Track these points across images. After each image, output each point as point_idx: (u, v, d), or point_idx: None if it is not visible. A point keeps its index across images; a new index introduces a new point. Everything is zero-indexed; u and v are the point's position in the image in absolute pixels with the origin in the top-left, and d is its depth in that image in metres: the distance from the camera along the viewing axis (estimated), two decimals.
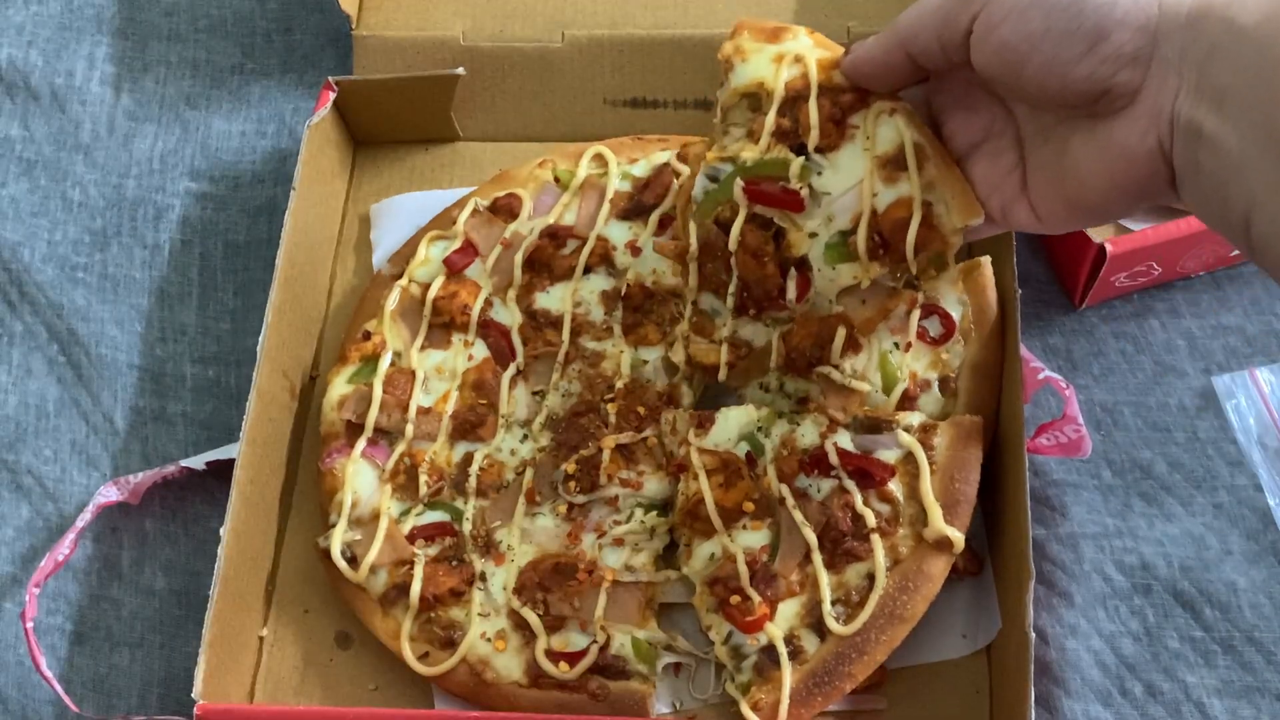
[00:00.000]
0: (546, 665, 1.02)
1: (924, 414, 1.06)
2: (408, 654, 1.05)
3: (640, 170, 1.21)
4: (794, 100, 0.94)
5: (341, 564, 1.08)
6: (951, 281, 1.07)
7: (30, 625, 1.07)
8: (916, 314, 1.06)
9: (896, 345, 1.06)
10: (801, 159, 0.93)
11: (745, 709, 1.00)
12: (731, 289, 1.02)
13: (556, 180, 1.23)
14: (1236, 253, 1.17)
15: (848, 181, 0.93)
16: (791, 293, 0.99)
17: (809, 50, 0.95)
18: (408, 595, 1.06)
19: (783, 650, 1.00)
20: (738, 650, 1.02)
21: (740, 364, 1.09)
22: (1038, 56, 0.79)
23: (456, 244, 1.20)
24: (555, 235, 1.18)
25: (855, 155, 0.93)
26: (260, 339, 1.12)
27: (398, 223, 1.28)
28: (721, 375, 1.09)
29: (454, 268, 1.18)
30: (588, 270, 1.17)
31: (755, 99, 0.97)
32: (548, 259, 1.17)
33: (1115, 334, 1.19)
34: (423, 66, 1.30)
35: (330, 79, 1.25)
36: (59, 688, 1.07)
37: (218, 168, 1.37)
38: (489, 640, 1.04)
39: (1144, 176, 0.79)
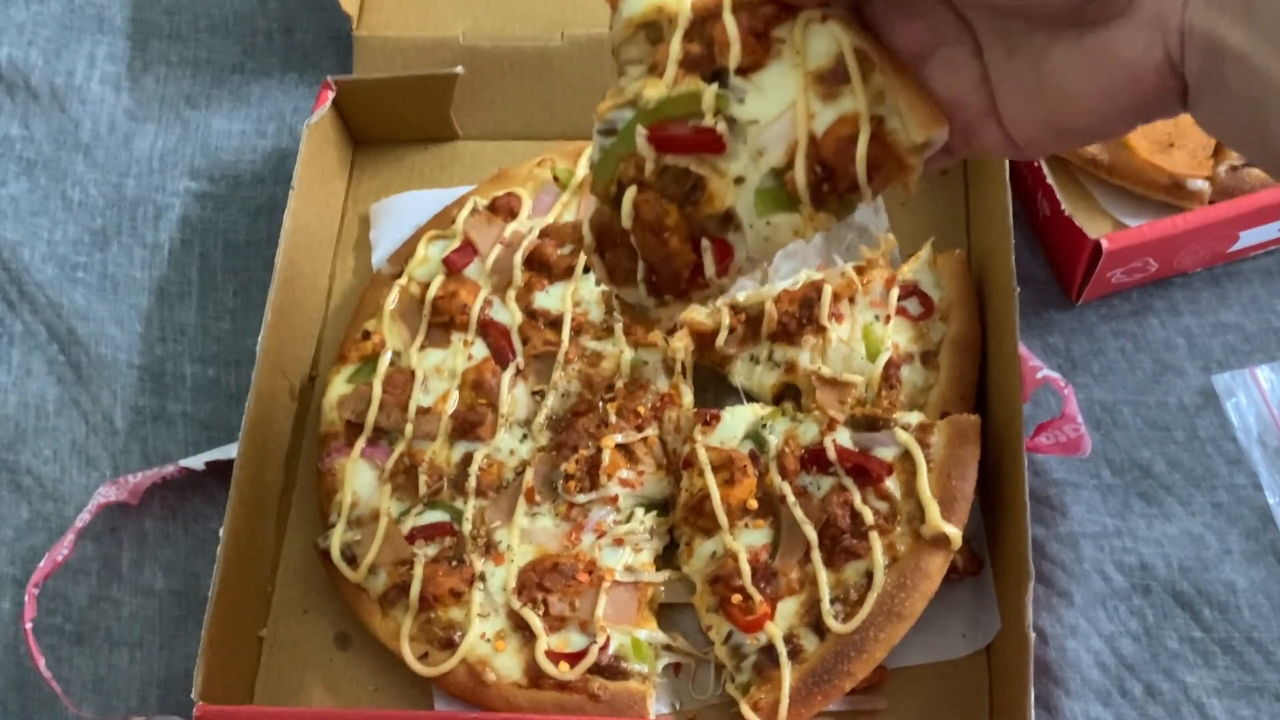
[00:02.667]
0: (546, 665, 1.02)
1: (910, 384, 1.09)
2: (407, 654, 1.05)
3: None
4: (703, 21, 0.75)
5: (341, 564, 1.08)
6: (929, 262, 1.12)
7: (29, 626, 1.08)
8: (895, 291, 1.12)
9: (877, 318, 1.11)
10: (715, 86, 0.73)
11: (745, 709, 1.00)
12: (639, 275, 0.78)
13: (556, 179, 1.23)
14: (1234, 249, 1.17)
15: (777, 105, 0.73)
16: (710, 267, 0.76)
17: None
18: (407, 595, 1.06)
19: (782, 650, 1.00)
20: (737, 650, 1.02)
21: (738, 330, 1.12)
22: None
23: (456, 243, 1.20)
24: (554, 235, 1.19)
25: (784, 74, 0.73)
26: (260, 339, 1.12)
27: (397, 222, 1.28)
28: (721, 340, 1.12)
29: (453, 267, 1.18)
30: (587, 270, 1.16)
31: (655, 29, 0.76)
32: (547, 258, 1.17)
33: (1114, 332, 1.19)
34: (423, 66, 1.30)
35: (329, 79, 1.25)
36: (58, 688, 1.07)
37: (218, 167, 1.37)
38: (489, 640, 1.04)
39: (1149, 92, 0.68)
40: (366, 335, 1.18)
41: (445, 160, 1.34)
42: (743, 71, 0.74)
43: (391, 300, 1.18)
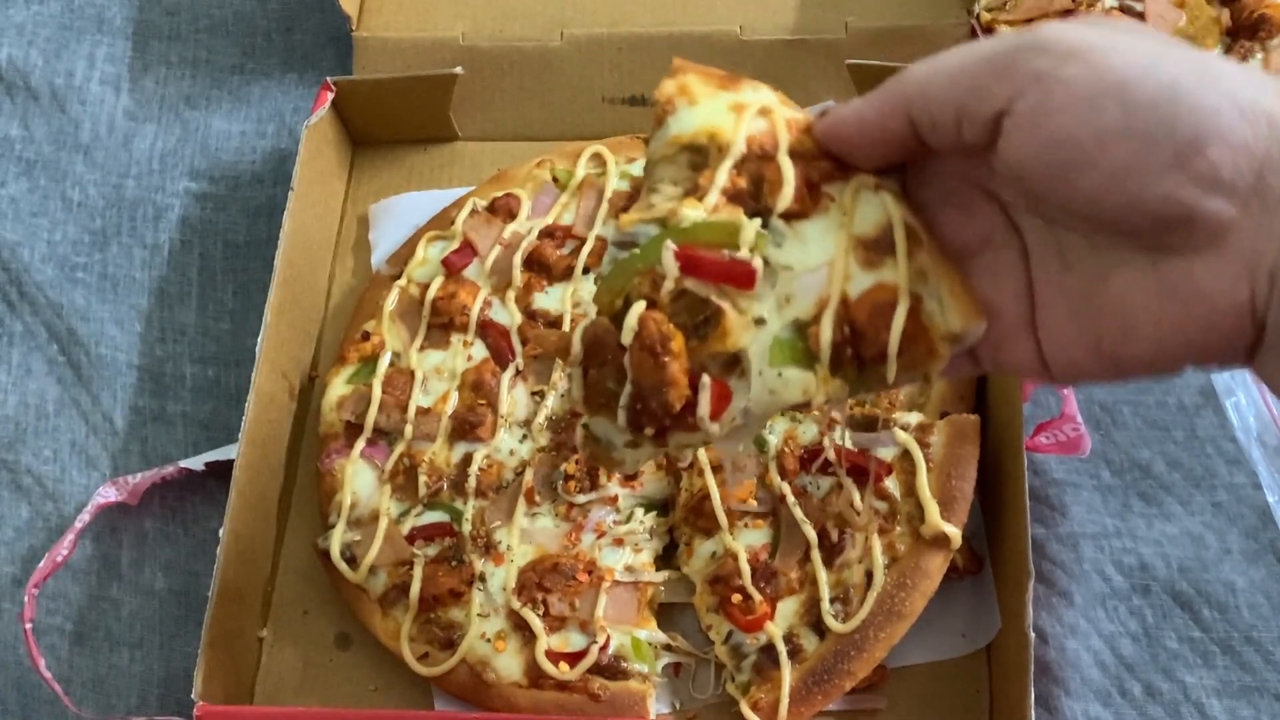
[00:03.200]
0: (546, 665, 1.02)
1: (906, 393, 1.07)
2: (407, 654, 1.05)
3: (639, 169, 1.20)
4: (755, 159, 0.70)
5: (341, 565, 1.08)
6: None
7: (29, 626, 1.08)
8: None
9: None
10: (757, 223, 0.68)
11: (745, 709, 1.00)
12: (623, 401, 0.69)
13: (555, 180, 1.23)
14: None
15: (816, 258, 0.68)
16: (705, 406, 0.67)
17: (775, 104, 0.72)
18: (407, 596, 1.06)
19: (782, 649, 1.00)
20: (737, 650, 1.02)
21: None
22: (1105, 162, 0.58)
23: (455, 244, 1.20)
24: (554, 235, 1.19)
25: (828, 229, 0.69)
26: (259, 339, 1.12)
27: (396, 223, 1.28)
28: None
29: (453, 268, 1.18)
30: (586, 270, 1.16)
31: (700, 155, 0.71)
32: (546, 259, 1.17)
33: None
34: (423, 67, 1.30)
35: (328, 79, 1.25)
36: (58, 688, 1.07)
37: (217, 168, 1.37)
38: (489, 641, 1.04)
39: (1222, 334, 0.60)
40: (366, 336, 1.18)
41: (444, 161, 1.33)
42: (786, 217, 0.69)
43: (391, 301, 1.18)
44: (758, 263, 0.67)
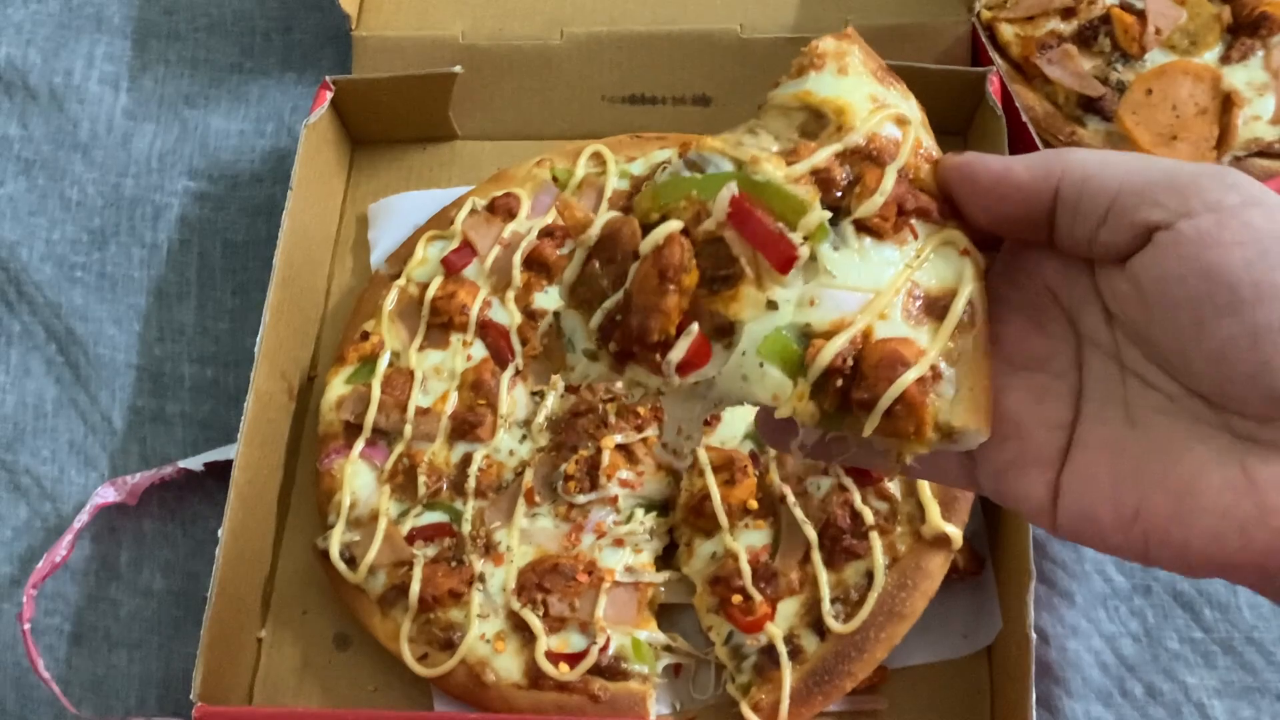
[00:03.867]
0: (546, 666, 1.02)
1: None
2: (407, 655, 1.05)
3: (639, 169, 1.20)
4: (866, 158, 0.66)
5: (340, 565, 1.08)
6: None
7: (28, 627, 1.07)
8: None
9: None
10: (826, 215, 0.63)
11: (745, 709, 1.00)
12: (607, 303, 0.65)
13: (555, 179, 1.23)
14: None
15: (864, 281, 0.64)
16: (679, 351, 0.63)
17: (916, 121, 0.68)
18: (407, 596, 1.06)
19: (782, 650, 1.00)
20: (738, 650, 1.02)
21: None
22: (1251, 315, 0.53)
23: (454, 244, 1.20)
24: (553, 235, 1.18)
25: (891, 261, 0.64)
26: (258, 339, 1.12)
27: (395, 222, 1.27)
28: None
29: (452, 268, 1.18)
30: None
31: (816, 123, 0.68)
32: (546, 259, 1.17)
33: None
34: (422, 66, 1.30)
35: (327, 78, 1.25)
36: (57, 689, 1.07)
37: (216, 167, 1.37)
38: (488, 641, 1.04)
39: None
40: (365, 336, 1.18)
41: (444, 160, 1.33)
42: (860, 227, 0.65)
43: (390, 301, 1.18)
44: (804, 252, 0.63)
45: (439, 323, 1.16)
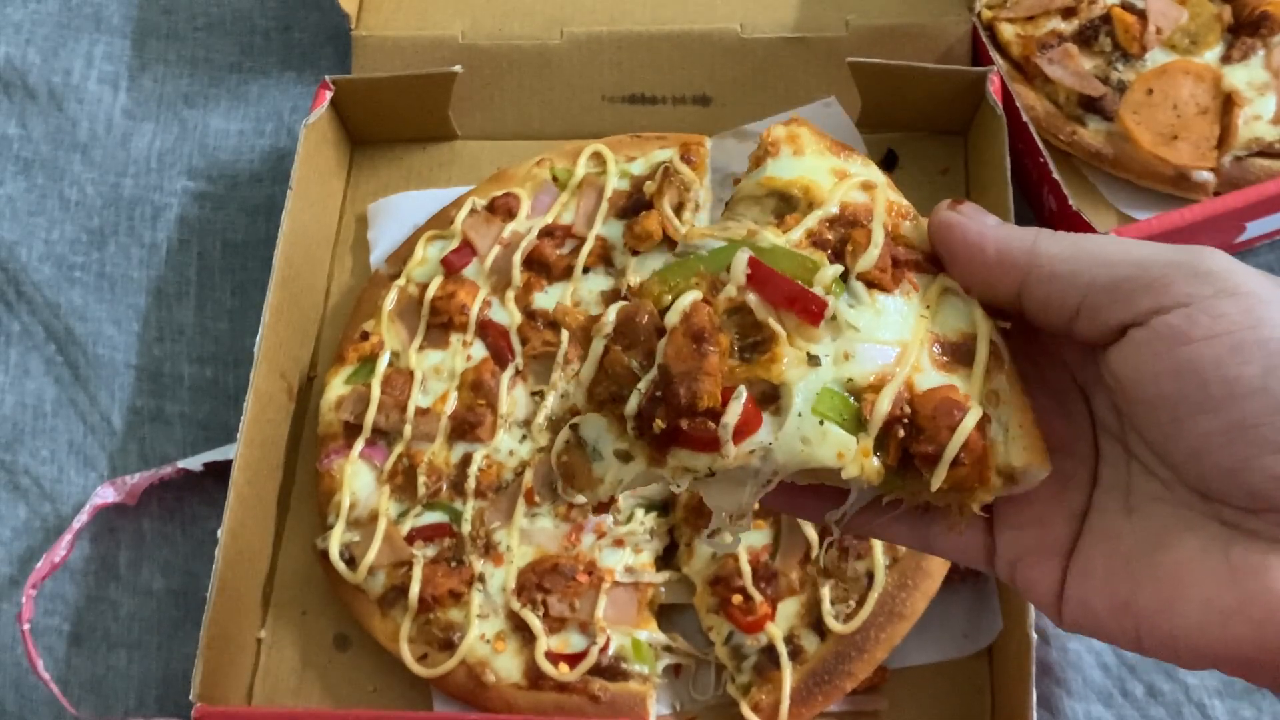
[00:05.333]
0: (546, 667, 1.02)
1: None
2: (406, 655, 1.05)
3: (639, 168, 1.20)
4: (847, 223, 0.65)
5: (340, 565, 1.08)
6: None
7: (27, 627, 1.07)
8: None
9: None
10: (838, 269, 0.62)
11: (746, 710, 1.00)
12: (641, 385, 0.61)
13: (554, 179, 1.23)
14: (1240, 240, 1.17)
15: (888, 333, 0.62)
16: (732, 415, 0.59)
17: (881, 184, 0.67)
18: (406, 596, 1.05)
19: (783, 650, 1.00)
20: (738, 651, 1.02)
21: None
22: (1226, 414, 0.53)
23: (454, 244, 1.19)
24: (553, 234, 1.18)
25: (907, 313, 0.63)
26: (258, 339, 1.11)
27: (395, 222, 1.27)
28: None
29: (452, 268, 1.18)
30: (586, 270, 1.16)
31: (787, 204, 0.67)
32: (546, 259, 1.17)
33: None
34: (422, 65, 1.29)
35: (327, 78, 1.25)
36: (56, 689, 1.07)
37: (215, 167, 1.37)
38: (488, 642, 1.04)
39: (1277, 644, 0.52)
40: (365, 336, 1.18)
41: (444, 160, 1.33)
42: (866, 283, 0.63)
43: (390, 301, 1.18)
44: (831, 301, 0.61)
45: (439, 323, 1.16)
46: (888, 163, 1.25)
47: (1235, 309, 0.53)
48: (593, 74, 1.30)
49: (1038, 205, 1.21)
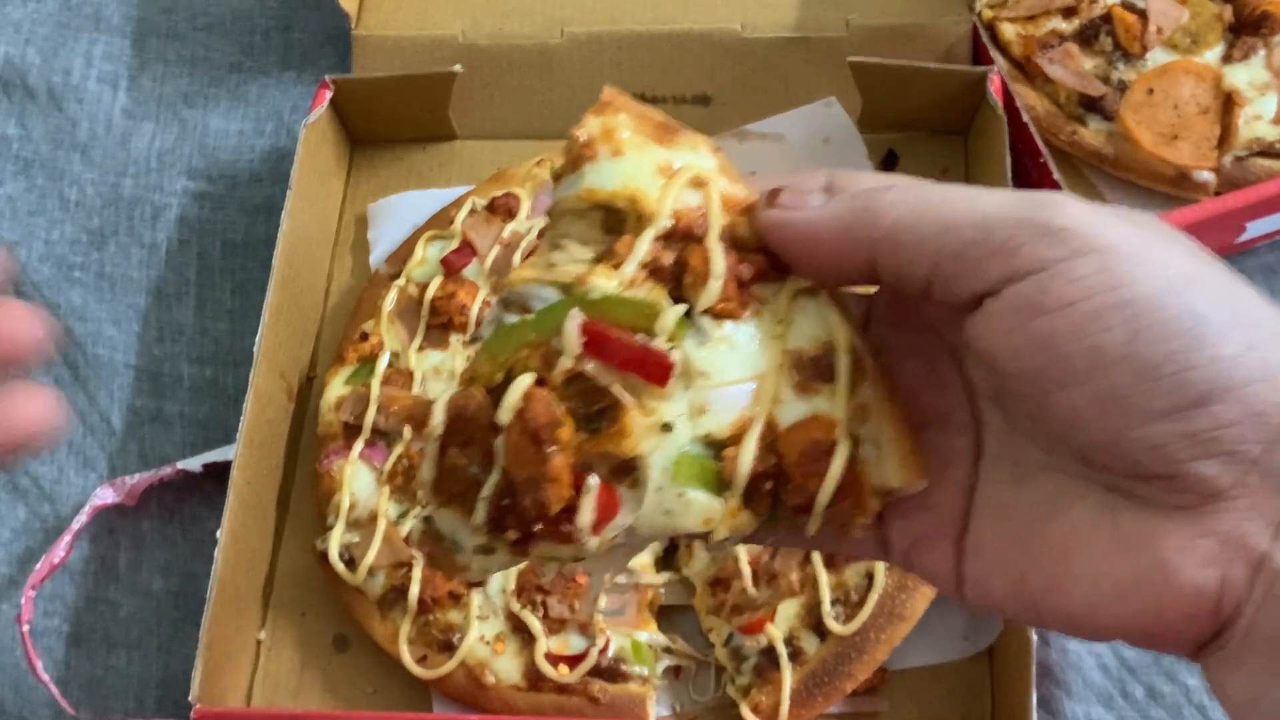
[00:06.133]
0: (546, 668, 1.02)
1: None
2: (406, 657, 1.05)
3: None
4: (683, 237, 0.57)
5: (339, 566, 1.08)
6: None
7: (26, 628, 1.07)
8: None
9: None
10: (681, 309, 0.56)
11: (745, 711, 1.00)
12: (485, 491, 0.55)
13: (555, 179, 1.22)
14: (1241, 240, 1.17)
15: (742, 370, 0.57)
16: (587, 514, 0.54)
17: (713, 174, 0.59)
18: (406, 598, 1.05)
19: (783, 651, 0.99)
20: (738, 652, 1.02)
21: None
22: (1092, 386, 0.48)
23: (454, 244, 1.19)
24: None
25: (759, 338, 0.57)
26: (257, 339, 1.11)
27: (395, 222, 1.27)
28: None
29: (452, 268, 1.18)
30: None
31: (614, 218, 0.59)
32: None
33: None
34: (422, 65, 1.29)
35: (326, 78, 1.25)
36: (55, 690, 1.07)
37: (215, 167, 1.37)
38: (487, 643, 1.04)
39: (1171, 619, 0.49)
40: (364, 336, 1.17)
41: (444, 160, 1.33)
42: (713, 313, 0.57)
43: (390, 301, 1.18)
44: (676, 356, 0.55)
45: (439, 323, 1.16)
46: (888, 163, 1.25)
47: (1091, 269, 0.48)
48: (593, 74, 1.30)
49: None
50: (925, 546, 0.57)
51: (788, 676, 0.99)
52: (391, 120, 1.30)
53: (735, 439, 0.55)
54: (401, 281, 1.19)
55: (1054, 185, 1.13)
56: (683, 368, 0.55)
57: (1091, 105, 1.21)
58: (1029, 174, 1.19)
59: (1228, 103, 1.18)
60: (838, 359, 0.57)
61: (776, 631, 1.00)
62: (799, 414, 0.56)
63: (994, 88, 1.16)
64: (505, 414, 0.54)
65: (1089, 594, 0.51)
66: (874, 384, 0.56)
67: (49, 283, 1.31)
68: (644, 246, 0.57)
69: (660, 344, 0.55)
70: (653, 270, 0.57)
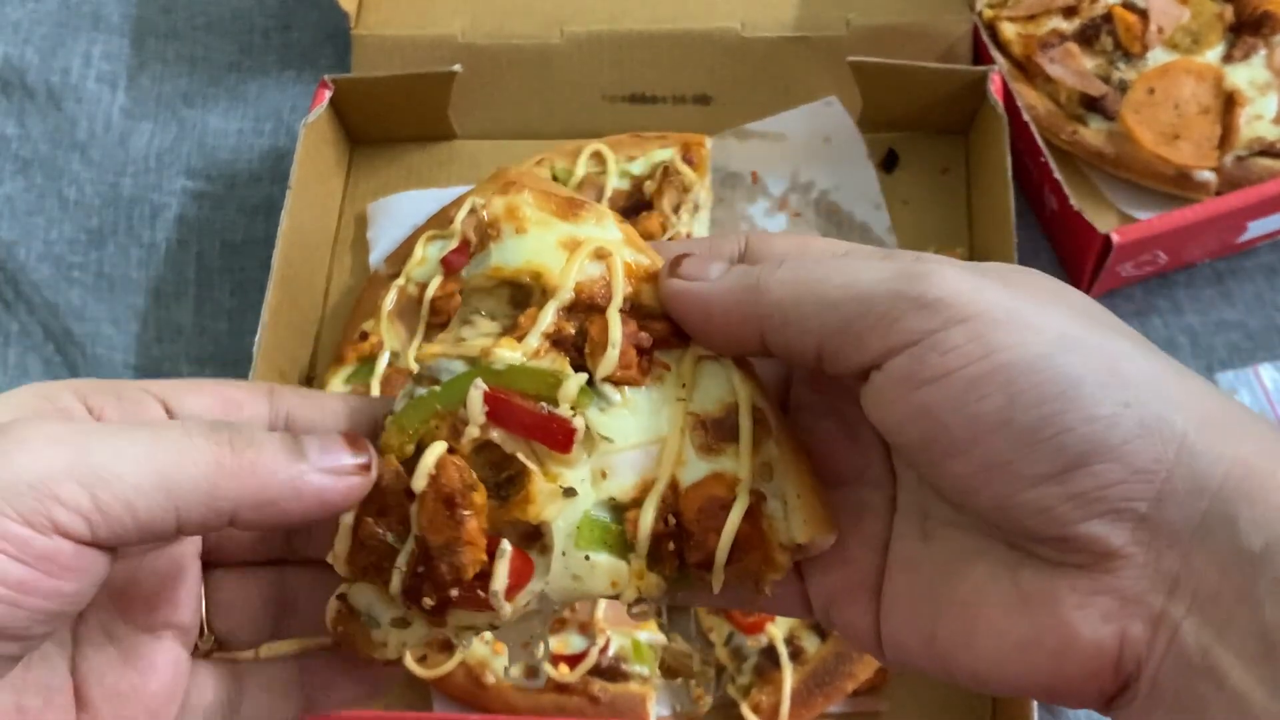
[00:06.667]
0: (546, 668, 1.02)
1: None
2: (406, 656, 1.04)
3: (639, 168, 1.20)
4: (585, 308, 0.60)
5: (339, 565, 1.07)
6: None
7: None
8: None
9: None
10: (581, 378, 0.58)
11: (746, 711, 1.00)
12: (400, 560, 0.57)
13: (555, 179, 1.22)
14: (1242, 239, 1.17)
15: (644, 433, 0.59)
16: (501, 579, 0.56)
17: (617, 246, 0.61)
18: None
19: (783, 651, 0.99)
20: (738, 652, 1.02)
21: None
22: (976, 453, 0.50)
23: (454, 243, 1.19)
24: None
25: (662, 402, 0.59)
26: (256, 339, 1.11)
27: (394, 222, 1.27)
28: None
29: (452, 267, 1.18)
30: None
31: (522, 293, 0.61)
32: None
33: None
34: (422, 64, 1.29)
35: (326, 77, 1.25)
36: None
37: (214, 166, 1.37)
38: (488, 643, 1.04)
39: (1075, 675, 0.50)
40: (364, 336, 1.17)
41: (443, 159, 1.33)
42: (613, 382, 0.59)
43: (389, 300, 1.18)
44: (579, 423, 0.57)
45: (438, 322, 1.16)
46: (888, 163, 1.25)
47: (964, 338, 0.49)
48: (593, 73, 1.30)
49: (1038, 205, 1.21)
50: (844, 601, 0.58)
51: (788, 676, 0.99)
52: (391, 120, 1.30)
53: (638, 501, 0.57)
54: (401, 281, 1.19)
55: (1055, 185, 1.13)
56: (585, 434, 0.57)
57: (1092, 105, 1.21)
58: (1030, 173, 1.19)
59: (1229, 102, 1.18)
60: (740, 418, 0.58)
61: (777, 631, 1.00)
62: (701, 473, 0.58)
63: (994, 87, 1.16)
64: (420, 480, 0.56)
65: (993, 651, 0.51)
66: (780, 442, 0.58)
67: (48, 283, 1.31)
68: (547, 318, 0.59)
69: (564, 411, 0.57)
70: (556, 341, 0.59)
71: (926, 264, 0.52)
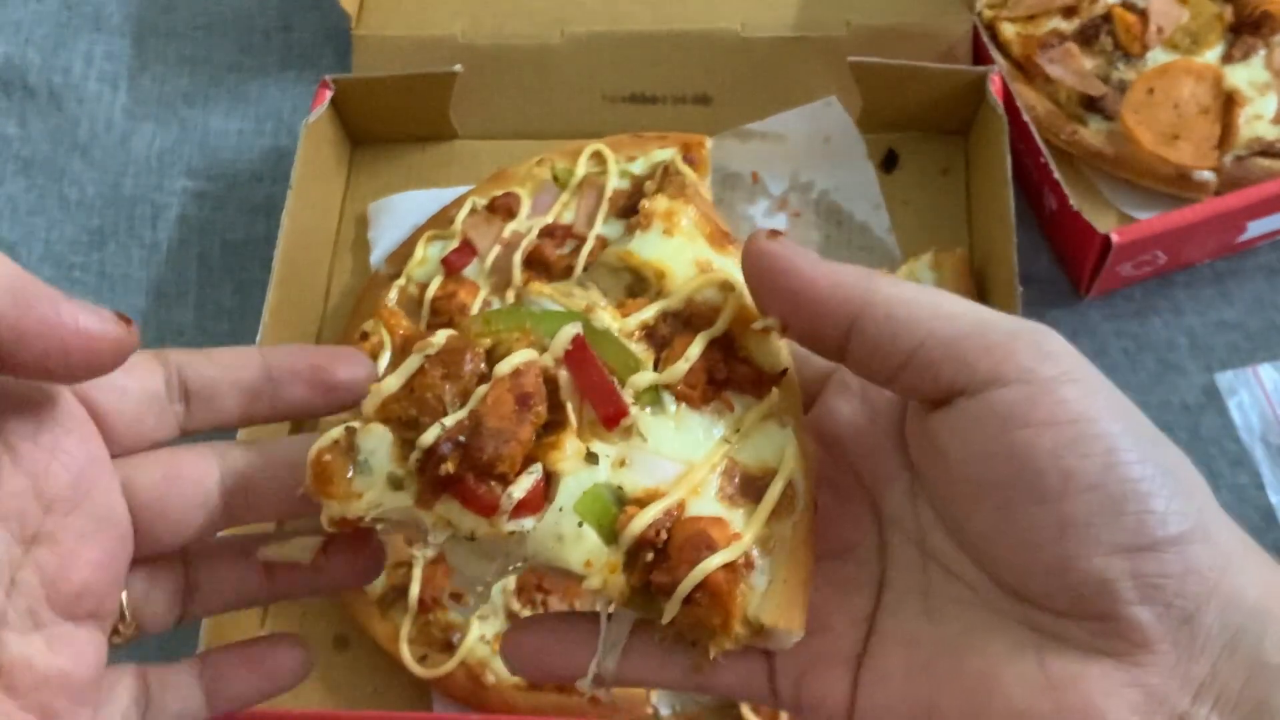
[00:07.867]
0: None
1: None
2: (406, 656, 1.04)
3: (639, 168, 1.20)
4: (685, 322, 0.62)
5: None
6: (929, 263, 1.12)
7: None
8: None
9: None
10: (654, 377, 0.60)
11: (746, 711, 1.00)
12: (449, 420, 0.58)
13: (555, 179, 1.22)
14: (1241, 239, 1.17)
15: (678, 450, 0.60)
16: (521, 489, 0.57)
17: (741, 286, 0.62)
18: (406, 597, 1.05)
19: None
20: None
21: None
22: (1058, 507, 0.50)
23: (454, 243, 1.19)
24: (554, 234, 1.18)
25: (709, 435, 0.61)
26: (257, 339, 1.11)
27: (395, 222, 1.27)
28: None
29: (452, 267, 1.18)
30: (586, 269, 1.16)
31: (640, 285, 0.65)
32: (546, 258, 1.16)
33: (1116, 332, 1.18)
34: (422, 65, 1.29)
35: (327, 77, 1.25)
36: None
37: (215, 166, 1.37)
38: (488, 643, 1.04)
39: None
40: (365, 336, 1.17)
41: (444, 159, 1.33)
42: (675, 394, 0.61)
43: (390, 300, 1.18)
44: (635, 411, 0.59)
45: (439, 323, 1.16)
46: (888, 163, 1.25)
47: (1079, 395, 0.51)
48: (593, 73, 1.30)
49: (1038, 205, 1.21)
50: (819, 670, 0.58)
51: None
52: (391, 120, 1.30)
53: (642, 503, 0.58)
54: (402, 281, 1.19)
55: (1055, 185, 1.13)
56: (631, 424, 0.59)
57: (1092, 105, 1.21)
58: (1029, 173, 1.19)
59: (1228, 102, 1.18)
60: (772, 486, 0.59)
61: None
62: (708, 512, 0.58)
63: (994, 87, 1.16)
64: (504, 366, 0.59)
65: None
66: (795, 528, 0.58)
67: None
68: (651, 310, 0.62)
69: (626, 394, 0.60)
70: (649, 334, 0.62)
71: (1040, 324, 0.54)
